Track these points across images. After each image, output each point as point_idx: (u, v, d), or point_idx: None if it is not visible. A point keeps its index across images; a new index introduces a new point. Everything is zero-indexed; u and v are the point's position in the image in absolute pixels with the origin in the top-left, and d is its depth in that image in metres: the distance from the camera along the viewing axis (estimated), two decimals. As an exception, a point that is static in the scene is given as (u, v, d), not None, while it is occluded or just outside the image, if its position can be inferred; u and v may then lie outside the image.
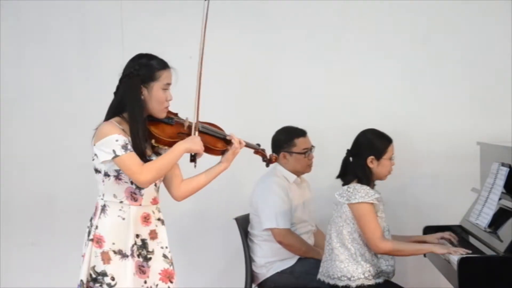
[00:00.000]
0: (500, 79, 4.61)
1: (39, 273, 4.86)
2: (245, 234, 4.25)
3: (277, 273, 4.15)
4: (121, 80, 3.10)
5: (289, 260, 4.16)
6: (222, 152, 3.19)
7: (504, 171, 3.60)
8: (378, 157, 3.69)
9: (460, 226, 3.97)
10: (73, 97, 4.86)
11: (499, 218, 3.55)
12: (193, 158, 3.09)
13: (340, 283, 3.64)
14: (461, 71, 4.67)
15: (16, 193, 4.88)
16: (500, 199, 3.60)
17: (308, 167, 4.28)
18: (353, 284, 3.62)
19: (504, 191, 3.59)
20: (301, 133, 4.26)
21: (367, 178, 3.68)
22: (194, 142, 3.05)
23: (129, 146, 2.99)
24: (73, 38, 4.85)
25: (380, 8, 4.68)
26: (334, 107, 4.71)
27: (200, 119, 3.13)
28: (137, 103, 3.04)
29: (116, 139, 2.98)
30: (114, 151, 2.97)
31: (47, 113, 4.87)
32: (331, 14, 4.72)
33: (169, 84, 3.10)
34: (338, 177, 3.78)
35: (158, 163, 3.02)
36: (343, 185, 3.73)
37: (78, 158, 4.87)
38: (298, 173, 4.28)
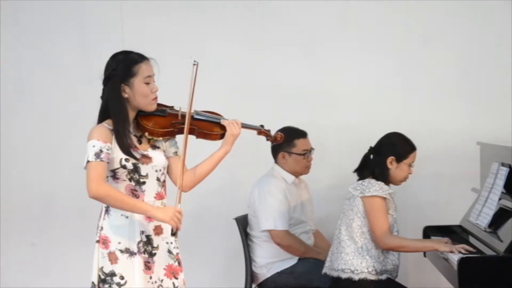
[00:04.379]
0: (500, 79, 4.61)
1: (39, 273, 4.86)
2: (245, 234, 4.24)
3: (277, 273, 4.14)
4: (104, 83, 3.08)
5: (289, 260, 4.15)
6: (221, 136, 3.15)
7: (504, 171, 3.60)
8: (399, 160, 3.74)
9: (460, 226, 3.97)
10: (73, 97, 4.85)
11: (499, 218, 3.55)
12: (174, 233, 3.08)
13: (343, 275, 3.66)
14: (461, 71, 4.67)
15: (16, 193, 4.88)
16: (500, 199, 3.60)
17: (306, 169, 4.27)
18: (356, 277, 3.64)
19: (504, 191, 3.59)
20: (302, 134, 4.24)
21: (383, 177, 3.72)
22: (165, 212, 2.97)
23: (103, 155, 2.95)
24: (73, 38, 4.85)
25: (379, 8, 4.67)
26: (333, 107, 4.71)
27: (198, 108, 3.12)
28: (118, 103, 3.02)
29: (93, 144, 2.97)
30: (87, 156, 2.97)
31: (47, 113, 4.87)
32: (331, 13, 4.71)
33: (149, 76, 3.05)
34: (355, 171, 3.82)
35: (114, 194, 2.94)
36: (359, 180, 3.77)
37: (78, 158, 4.79)
38: (296, 174, 4.27)
